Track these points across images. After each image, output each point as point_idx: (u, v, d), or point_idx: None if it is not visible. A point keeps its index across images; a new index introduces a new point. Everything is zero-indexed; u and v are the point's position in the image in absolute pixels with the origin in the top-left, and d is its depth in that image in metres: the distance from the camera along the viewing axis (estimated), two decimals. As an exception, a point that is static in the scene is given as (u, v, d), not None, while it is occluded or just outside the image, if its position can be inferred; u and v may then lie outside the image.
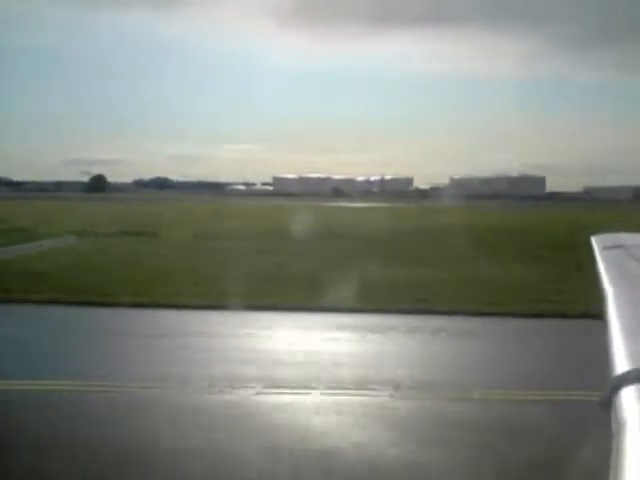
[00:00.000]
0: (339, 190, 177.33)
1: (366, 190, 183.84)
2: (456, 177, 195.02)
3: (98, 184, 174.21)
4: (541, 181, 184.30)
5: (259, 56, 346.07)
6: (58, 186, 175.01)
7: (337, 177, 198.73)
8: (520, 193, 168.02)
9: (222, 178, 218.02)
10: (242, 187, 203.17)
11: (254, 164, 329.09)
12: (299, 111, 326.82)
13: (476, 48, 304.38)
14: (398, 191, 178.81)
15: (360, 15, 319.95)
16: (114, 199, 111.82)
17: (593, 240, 3.92)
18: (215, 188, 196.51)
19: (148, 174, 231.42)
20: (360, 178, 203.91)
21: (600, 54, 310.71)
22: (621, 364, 1.61)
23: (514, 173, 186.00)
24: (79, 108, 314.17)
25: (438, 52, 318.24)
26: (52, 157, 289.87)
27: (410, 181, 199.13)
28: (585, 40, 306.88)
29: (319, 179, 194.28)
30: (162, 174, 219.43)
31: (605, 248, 3.62)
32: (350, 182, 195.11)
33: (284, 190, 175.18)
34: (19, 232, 38.60)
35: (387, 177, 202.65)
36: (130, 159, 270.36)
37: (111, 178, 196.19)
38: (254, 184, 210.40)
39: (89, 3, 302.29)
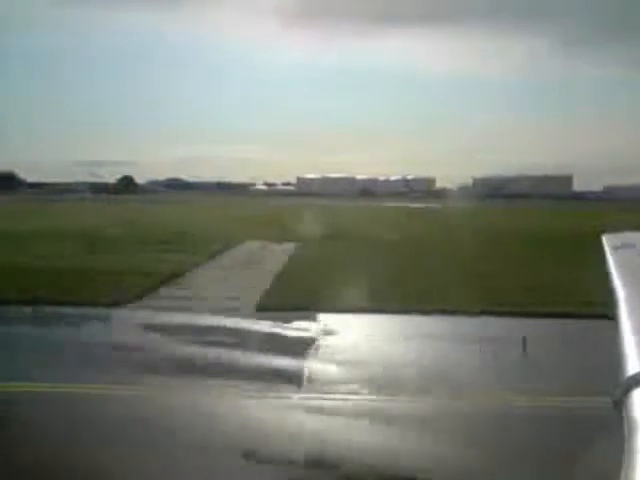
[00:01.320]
0: (367, 190, 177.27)
1: (392, 190, 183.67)
2: (479, 176, 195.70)
3: (127, 185, 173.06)
4: (568, 180, 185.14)
5: (264, 56, 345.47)
6: (85, 187, 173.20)
7: (360, 177, 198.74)
8: (546, 192, 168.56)
9: (232, 178, 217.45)
10: (264, 187, 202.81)
11: (262, 164, 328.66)
12: (306, 111, 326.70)
13: (487, 46, 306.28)
14: (424, 191, 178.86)
15: (366, 14, 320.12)
16: (165, 201, 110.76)
17: (604, 239, 3.84)
18: (235, 188, 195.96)
19: (156, 175, 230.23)
20: (381, 178, 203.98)
21: (610, 50, 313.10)
22: (633, 365, 1.60)
23: (540, 172, 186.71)
24: (83, 109, 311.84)
25: (441, 51, 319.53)
26: (59, 158, 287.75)
27: (432, 181, 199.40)
28: (594, 37, 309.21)
29: (343, 179, 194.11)
30: (171, 175, 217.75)
31: (616, 248, 3.57)
32: (374, 182, 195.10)
33: (308, 191, 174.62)
34: (197, 237, 37.31)
35: (409, 177, 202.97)
36: (136, 160, 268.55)
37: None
38: (275, 184, 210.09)
39: (98, 3, 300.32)
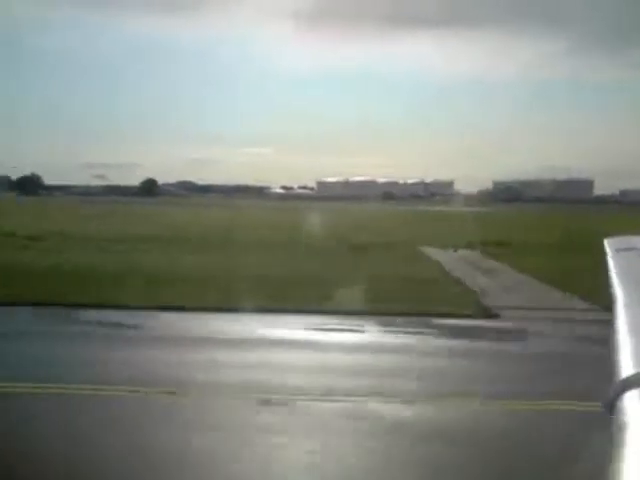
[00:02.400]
0: (390, 194, 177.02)
1: (413, 194, 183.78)
2: (499, 180, 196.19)
3: (149, 188, 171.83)
4: (589, 184, 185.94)
5: (273, 58, 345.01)
6: (105, 190, 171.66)
7: (381, 181, 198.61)
8: (568, 196, 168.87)
9: (242, 181, 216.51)
10: (281, 191, 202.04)
11: (270, 167, 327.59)
12: (313, 114, 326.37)
13: (496, 49, 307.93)
14: (445, 194, 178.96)
15: (375, 17, 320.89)
16: (211, 205, 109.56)
17: (606, 243, 3.81)
18: (252, 192, 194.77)
19: (164, 178, 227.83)
20: (400, 181, 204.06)
21: (615, 54, 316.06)
22: (627, 367, 1.60)
23: (562, 176, 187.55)
24: (89, 111, 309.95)
25: (455, 54, 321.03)
26: (64, 160, 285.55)
27: (451, 184, 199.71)
28: (606, 39, 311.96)
29: (365, 183, 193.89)
30: (180, 178, 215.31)
31: (618, 250, 3.56)
32: (395, 185, 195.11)
33: (328, 194, 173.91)
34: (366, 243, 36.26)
35: (427, 180, 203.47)
36: (142, 163, 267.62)
37: (126, 182, 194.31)
38: (292, 188, 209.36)
39: (106, 6, 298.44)
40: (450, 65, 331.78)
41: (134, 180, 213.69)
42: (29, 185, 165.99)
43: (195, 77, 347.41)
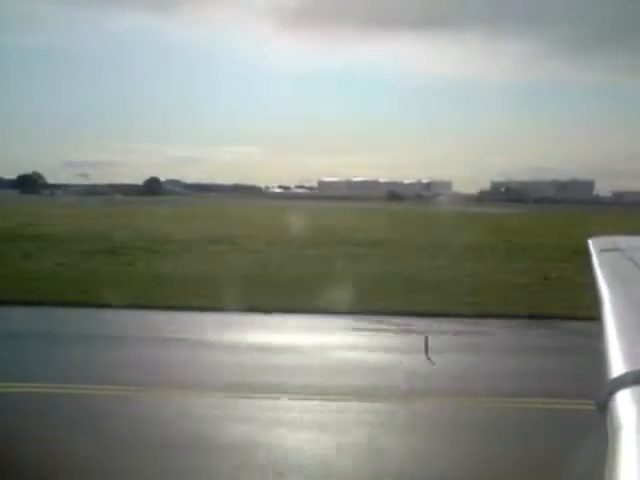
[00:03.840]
0: (394, 194, 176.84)
1: (416, 194, 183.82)
2: (497, 180, 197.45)
3: (153, 187, 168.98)
4: (590, 185, 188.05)
5: (259, 57, 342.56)
6: (113, 189, 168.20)
7: (383, 181, 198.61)
8: (569, 197, 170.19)
9: (225, 180, 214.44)
10: (280, 190, 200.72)
11: (257, 166, 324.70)
12: (299, 113, 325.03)
13: (480, 51, 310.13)
14: (446, 195, 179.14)
15: (362, 17, 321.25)
16: (235, 205, 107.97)
17: (590, 243, 3.99)
18: (248, 191, 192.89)
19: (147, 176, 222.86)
20: (401, 181, 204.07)
21: (602, 56, 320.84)
22: (617, 367, 1.64)
23: (563, 177, 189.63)
24: (73, 109, 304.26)
25: (441, 55, 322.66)
26: (45, 158, 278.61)
27: (449, 184, 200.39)
28: (588, 42, 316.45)
29: (367, 182, 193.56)
30: (164, 176, 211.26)
31: (602, 251, 3.70)
32: (396, 185, 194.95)
33: (329, 194, 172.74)
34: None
35: (424, 180, 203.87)
36: (125, 161, 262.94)
37: (111, 180, 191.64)
38: (289, 187, 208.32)
39: (87, 3, 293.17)
40: (428, 67, 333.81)
41: (116, 178, 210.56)
42: (30, 184, 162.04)
43: (180, 75, 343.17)
